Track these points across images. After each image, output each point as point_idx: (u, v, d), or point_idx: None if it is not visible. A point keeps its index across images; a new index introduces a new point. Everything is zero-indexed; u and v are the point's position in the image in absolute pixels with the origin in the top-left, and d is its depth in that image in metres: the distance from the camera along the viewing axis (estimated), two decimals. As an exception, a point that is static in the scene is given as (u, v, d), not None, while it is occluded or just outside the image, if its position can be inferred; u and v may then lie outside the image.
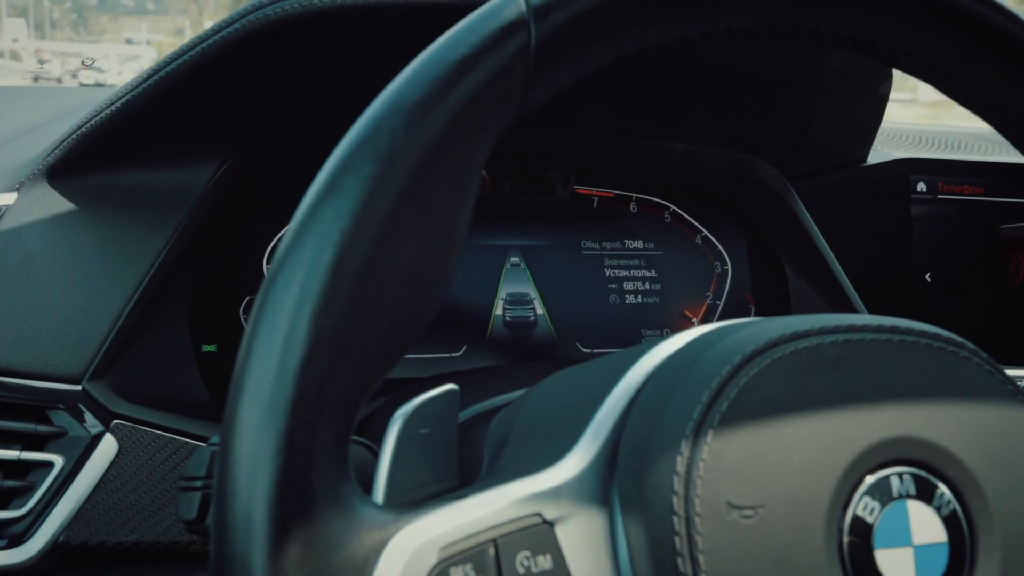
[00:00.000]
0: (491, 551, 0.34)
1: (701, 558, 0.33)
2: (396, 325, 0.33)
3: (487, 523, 0.34)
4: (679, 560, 0.33)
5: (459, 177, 0.35)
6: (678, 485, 0.34)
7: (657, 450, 0.35)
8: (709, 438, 0.34)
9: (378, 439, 0.38)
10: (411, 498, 0.37)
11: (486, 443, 0.45)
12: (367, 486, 0.36)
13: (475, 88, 0.34)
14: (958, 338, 0.39)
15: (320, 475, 0.31)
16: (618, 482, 0.36)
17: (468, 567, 0.34)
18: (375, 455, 0.39)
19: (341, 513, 0.32)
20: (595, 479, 0.37)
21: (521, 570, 0.34)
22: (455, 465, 0.39)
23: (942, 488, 0.36)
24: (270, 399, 0.30)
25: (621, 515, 0.36)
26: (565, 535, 0.35)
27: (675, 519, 0.33)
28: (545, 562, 0.35)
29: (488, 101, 0.35)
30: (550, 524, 0.35)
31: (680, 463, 0.34)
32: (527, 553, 0.34)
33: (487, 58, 0.34)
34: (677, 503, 0.33)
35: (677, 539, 0.33)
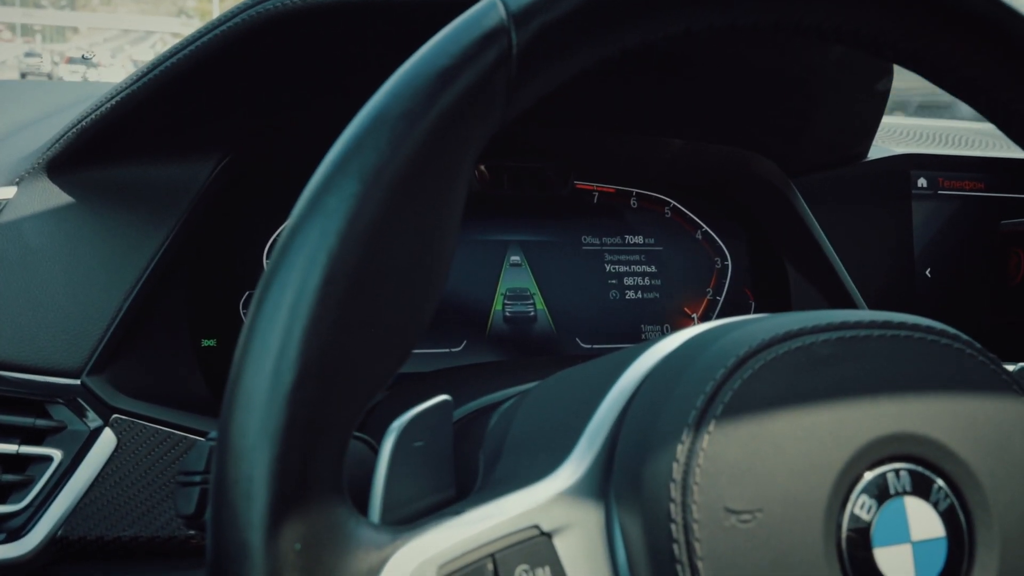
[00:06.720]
0: (489, 566, 0.34)
1: (700, 565, 0.33)
2: (387, 341, 0.33)
3: (485, 538, 0.34)
4: (678, 568, 0.33)
5: (444, 189, 0.34)
6: (675, 492, 0.33)
7: (653, 457, 0.35)
8: (705, 443, 0.34)
9: (378, 435, 0.38)
10: (408, 512, 0.36)
11: (482, 449, 0.44)
12: (365, 487, 0.36)
13: (458, 99, 0.34)
14: (952, 330, 0.39)
15: (315, 501, 0.31)
16: (615, 490, 0.36)
17: None
18: (374, 451, 0.39)
19: (337, 536, 0.32)
20: (592, 488, 0.36)
21: None
22: (451, 475, 0.39)
23: (939, 483, 0.36)
24: (262, 425, 0.30)
25: (619, 524, 0.36)
26: (563, 546, 0.35)
27: (673, 526, 0.33)
28: (544, 574, 0.34)
29: (471, 111, 0.34)
30: (548, 535, 0.35)
31: (676, 470, 0.34)
32: (526, 566, 0.34)
33: (469, 68, 0.34)
34: (674, 510, 0.33)
35: (675, 547, 0.33)
